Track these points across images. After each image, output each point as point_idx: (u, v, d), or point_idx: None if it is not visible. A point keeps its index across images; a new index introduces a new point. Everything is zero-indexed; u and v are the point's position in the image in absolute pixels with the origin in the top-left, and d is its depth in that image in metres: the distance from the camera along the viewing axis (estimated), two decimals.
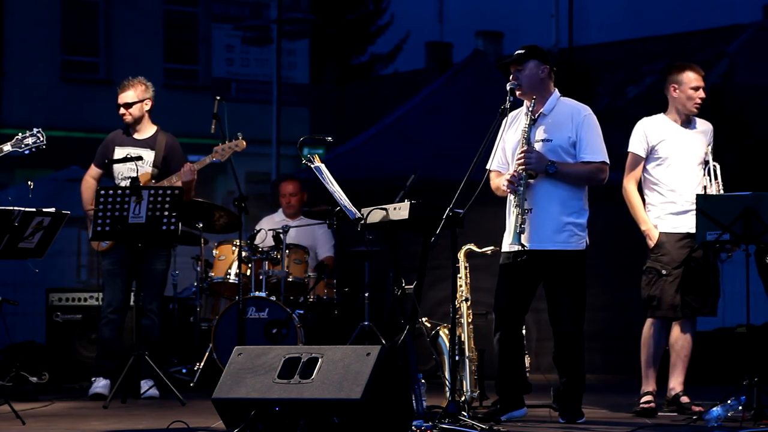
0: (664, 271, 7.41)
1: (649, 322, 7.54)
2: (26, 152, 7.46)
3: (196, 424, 6.47)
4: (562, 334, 6.88)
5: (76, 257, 15.57)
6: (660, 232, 7.43)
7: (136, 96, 8.55)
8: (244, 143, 8.50)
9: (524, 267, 6.77)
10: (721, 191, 7.41)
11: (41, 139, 7.44)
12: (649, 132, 7.48)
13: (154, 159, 8.53)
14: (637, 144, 7.48)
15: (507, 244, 6.83)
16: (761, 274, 7.48)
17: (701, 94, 7.53)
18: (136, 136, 8.62)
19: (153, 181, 8.41)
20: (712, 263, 7.55)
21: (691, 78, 7.52)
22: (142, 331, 8.21)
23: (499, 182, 6.86)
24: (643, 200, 7.56)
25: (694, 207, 7.07)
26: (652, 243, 7.44)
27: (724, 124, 16.41)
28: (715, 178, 7.47)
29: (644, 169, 7.51)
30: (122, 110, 8.56)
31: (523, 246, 6.67)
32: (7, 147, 7.43)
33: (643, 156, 7.47)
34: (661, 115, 7.58)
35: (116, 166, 8.49)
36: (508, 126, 6.88)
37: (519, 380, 6.96)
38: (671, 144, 7.48)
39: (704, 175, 7.48)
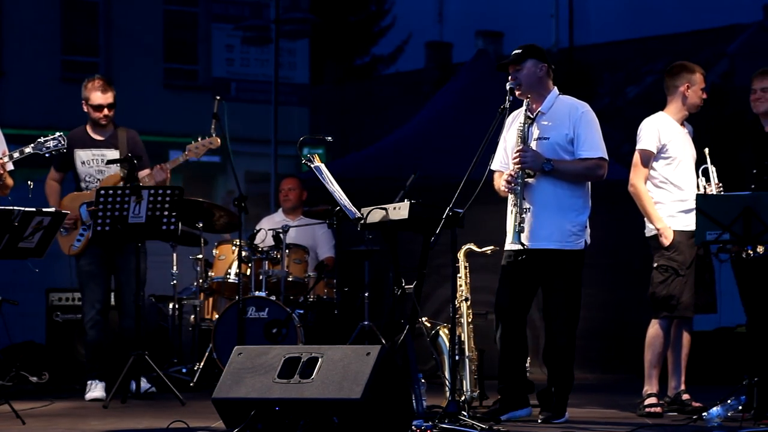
0: (681, 271, 7.37)
1: (655, 322, 7.46)
2: (47, 155, 7.57)
3: (196, 424, 6.47)
4: (552, 332, 6.89)
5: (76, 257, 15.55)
6: (674, 231, 7.38)
7: (113, 97, 8.47)
8: (219, 140, 8.41)
9: (524, 266, 6.78)
10: (722, 192, 7.41)
11: (62, 142, 7.53)
12: (662, 130, 7.44)
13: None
14: (650, 141, 7.41)
15: (508, 243, 6.84)
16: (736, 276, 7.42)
17: (704, 96, 7.56)
18: (96, 137, 8.48)
19: (123, 182, 8.24)
20: (708, 261, 7.56)
21: (701, 79, 7.54)
22: (128, 332, 8.19)
23: (500, 182, 6.87)
24: None
25: None
26: (667, 242, 7.36)
27: (724, 124, 16.41)
28: (708, 181, 7.46)
29: (650, 167, 7.50)
30: (105, 111, 8.39)
31: (522, 245, 6.68)
32: (28, 149, 7.51)
33: (655, 153, 7.45)
34: (664, 114, 7.55)
35: (81, 169, 8.40)
36: (510, 125, 6.91)
37: (521, 378, 6.96)
38: (678, 143, 7.47)
39: (699, 176, 7.49)
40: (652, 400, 7.38)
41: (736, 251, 7.09)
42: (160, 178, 8.31)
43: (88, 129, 8.52)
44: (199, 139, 8.41)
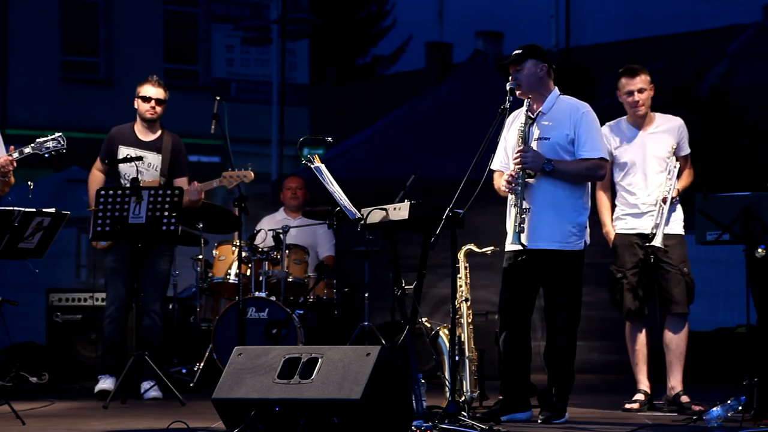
0: (618, 275, 7.57)
1: (626, 324, 7.68)
2: (46, 155, 7.58)
3: (196, 424, 6.47)
4: (553, 332, 6.89)
5: (76, 257, 15.56)
6: (615, 234, 7.59)
7: (165, 95, 8.52)
8: (252, 175, 8.54)
9: (525, 266, 6.78)
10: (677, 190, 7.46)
11: (62, 143, 7.54)
12: (608, 137, 7.57)
13: (161, 165, 8.47)
14: None
15: (508, 244, 6.83)
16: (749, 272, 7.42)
17: (635, 98, 7.52)
18: (142, 137, 8.52)
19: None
20: (665, 262, 7.51)
21: (622, 83, 7.59)
22: (143, 332, 8.20)
23: (500, 182, 6.87)
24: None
25: (655, 208, 7.32)
26: (610, 245, 7.62)
27: (724, 124, 16.41)
28: (669, 178, 7.47)
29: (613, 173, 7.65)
30: (153, 104, 8.44)
31: (523, 245, 6.68)
32: (28, 149, 7.53)
33: (608, 159, 7.54)
34: (620, 119, 7.68)
35: (122, 166, 8.44)
36: (510, 125, 6.91)
37: (523, 381, 6.95)
38: (627, 147, 7.59)
39: (668, 174, 7.49)
40: (636, 396, 7.58)
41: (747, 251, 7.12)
42: (195, 198, 8.37)
43: (136, 127, 8.56)
44: (236, 169, 8.48)
